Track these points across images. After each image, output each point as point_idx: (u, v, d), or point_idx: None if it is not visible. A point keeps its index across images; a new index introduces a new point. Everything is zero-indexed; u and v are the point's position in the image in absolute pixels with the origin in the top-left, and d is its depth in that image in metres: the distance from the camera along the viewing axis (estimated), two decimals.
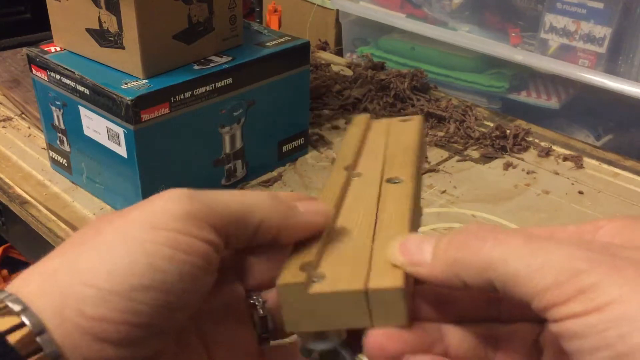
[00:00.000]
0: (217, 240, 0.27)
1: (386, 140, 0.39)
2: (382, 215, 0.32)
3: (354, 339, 0.29)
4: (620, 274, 0.22)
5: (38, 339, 0.24)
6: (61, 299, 0.25)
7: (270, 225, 0.29)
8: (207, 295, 0.28)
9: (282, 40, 0.84)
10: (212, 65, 0.77)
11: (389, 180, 0.35)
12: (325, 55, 1.31)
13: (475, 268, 0.25)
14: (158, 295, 0.25)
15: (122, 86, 0.70)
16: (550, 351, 0.28)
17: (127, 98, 0.68)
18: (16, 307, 0.25)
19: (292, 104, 0.88)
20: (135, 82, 0.71)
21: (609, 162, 0.94)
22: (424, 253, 0.27)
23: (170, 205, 0.26)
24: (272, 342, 0.33)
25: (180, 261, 0.25)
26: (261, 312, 0.32)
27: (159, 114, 0.71)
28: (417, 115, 0.43)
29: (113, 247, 0.25)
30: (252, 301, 0.32)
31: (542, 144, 0.98)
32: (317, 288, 0.27)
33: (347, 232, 0.31)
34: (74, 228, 0.77)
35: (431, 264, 0.27)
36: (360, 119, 0.43)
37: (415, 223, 0.32)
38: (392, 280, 0.27)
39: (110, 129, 0.72)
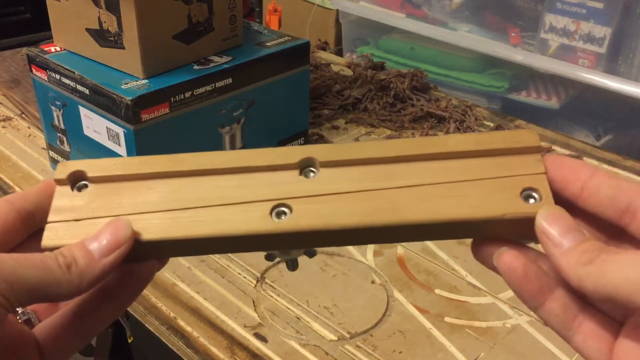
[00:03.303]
0: (5, 303, 0.28)
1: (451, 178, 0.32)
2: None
3: None
4: None
5: None
6: None
7: (64, 295, 0.30)
8: None
9: (282, 40, 0.84)
10: (212, 65, 0.77)
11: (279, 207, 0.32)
12: (325, 55, 1.30)
13: (596, 280, 0.27)
14: None
15: (122, 86, 0.70)
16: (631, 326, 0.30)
17: (127, 98, 0.68)
18: None
19: (292, 104, 0.88)
20: (135, 82, 0.71)
21: (609, 162, 0.94)
22: (565, 240, 0.28)
23: None
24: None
25: None
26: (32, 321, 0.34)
27: (159, 114, 0.71)
28: (550, 207, 0.31)
29: None
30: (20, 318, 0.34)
31: (542, 143, 0.98)
32: None
33: None
34: None
35: (563, 253, 0.28)
36: (529, 138, 0.33)
37: None
38: None
39: (110, 129, 0.72)
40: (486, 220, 0.30)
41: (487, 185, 0.31)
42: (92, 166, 0.34)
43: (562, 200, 0.31)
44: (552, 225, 0.29)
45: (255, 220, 0.31)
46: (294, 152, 0.33)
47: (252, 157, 0.33)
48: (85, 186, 0.33)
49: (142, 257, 0.32)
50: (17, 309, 0.33)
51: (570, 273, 0.28)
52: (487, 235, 0.31)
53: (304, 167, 0.33)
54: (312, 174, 0.33)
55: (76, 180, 0.33)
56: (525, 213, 0.30)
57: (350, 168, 0.33)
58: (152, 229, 0.31)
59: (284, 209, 0.31)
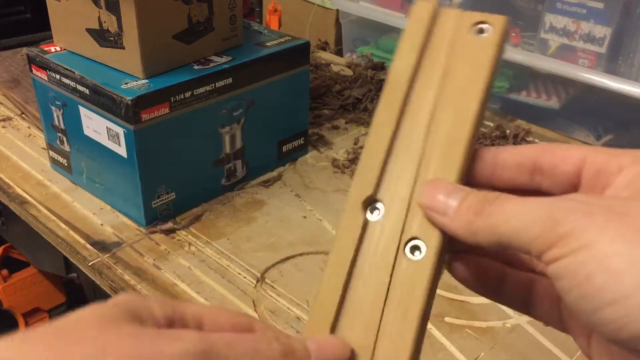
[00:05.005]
0: None
1: (440, 87, 0.33)
2: (391, 297, 0.32)
3: None
4: (591, 220, 0.24)
5: None
6: None
7: None
8: None
9: (282, 40, 0.84)
10: (212, 65, 0.77)
11: (408, 243, 0.31)
12: (325, 55, 1.30)
13: (486, 231, 0.27)
14: None
15: (122, 86, 0.70)
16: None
17: (127, 98, 0.68)
18: None
19: (292, 104, 0.88)
20: (135, 82, 0.71)
21: None
22: (448, 206, 0.29)
23: None
24: None
25: None
26: None
27: (159, 114, 0.71)
28: (498, 17, 0.31)
29: None
30: None
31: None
32: None
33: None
34: (74, 228, 0.77)
35: (452, 218, 0.29)
36: (420, 13, 0.33)
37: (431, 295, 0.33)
38: None
39: (110, 129, 0.72)
40: None
41: None
42: None
43: (477, 184, 0.31)
44: (435, 195, 0.29)
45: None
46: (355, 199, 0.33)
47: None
48: None
49: None
50: None
51: (464, 234, 0.28)
52: None
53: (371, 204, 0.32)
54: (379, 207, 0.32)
55: None
56: None
57: None
58: None
59: (414, 243, 0.31)
